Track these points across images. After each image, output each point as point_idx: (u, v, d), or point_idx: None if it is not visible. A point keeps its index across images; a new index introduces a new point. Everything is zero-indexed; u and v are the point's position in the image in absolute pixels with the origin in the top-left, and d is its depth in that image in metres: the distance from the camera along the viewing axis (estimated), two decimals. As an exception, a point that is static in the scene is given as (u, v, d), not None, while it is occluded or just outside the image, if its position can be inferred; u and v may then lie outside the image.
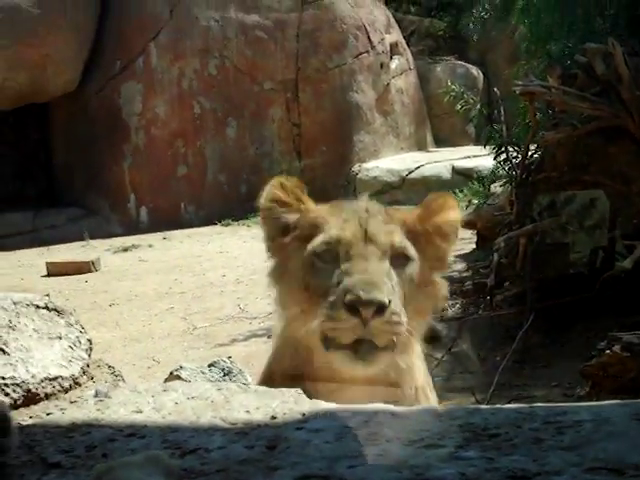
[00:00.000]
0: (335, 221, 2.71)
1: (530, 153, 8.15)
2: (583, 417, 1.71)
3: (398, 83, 19.68)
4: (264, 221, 2.86)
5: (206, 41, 17.32)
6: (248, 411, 1.93)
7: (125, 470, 1.50)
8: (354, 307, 2.39)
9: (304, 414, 1.87)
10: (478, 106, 11.34)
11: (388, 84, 19.15)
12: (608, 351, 5.46)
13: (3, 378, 2.40)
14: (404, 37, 20.89)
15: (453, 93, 10.50)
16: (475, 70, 21.95)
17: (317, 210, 2.82)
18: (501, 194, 9.36)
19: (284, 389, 2.06)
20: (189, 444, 1.74)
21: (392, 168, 17.54)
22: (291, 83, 17.59)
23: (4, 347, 2.51)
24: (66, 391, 2.57)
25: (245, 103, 17.35)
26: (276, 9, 17.75)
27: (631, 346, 5.41)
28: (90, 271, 12.77)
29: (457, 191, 15.57)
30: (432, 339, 3.11)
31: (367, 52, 18.57)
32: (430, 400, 2.88)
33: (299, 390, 2.05)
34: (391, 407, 1.90)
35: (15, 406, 2.38)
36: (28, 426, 1.98)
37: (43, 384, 2.48)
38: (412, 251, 2.68)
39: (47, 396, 2.49)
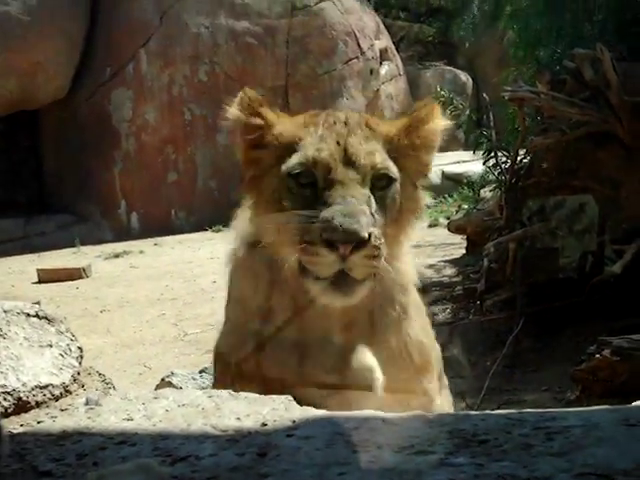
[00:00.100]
0: (311, 139, 2.53)
1: (519, 158, 8.18)
2: (572, 423, 1.72)
3: (388, 89, 19.73)
4: (234, 132, 2.70)
5: (196, 47, 17.34)
6: (239, 418, 1.93)
7: (116, 478, 1.50)
8: (332, 243, 2.28)
9: (294, 421, 1.88)
10: (467, 111, 11.36)
11: (378, 90, 19.19)
12: (598, 355, 5.48)
13: (-6, 386, 2.40)
14: (393, 43, 20.97)
15: (442, 98, 10.52)
16: (464, 75, 22.03)
17: (292, 123, 2.64)
18: (491, 199, 9.39)
19: (274, 396, 2.06)
20: (180, 451, 1.74)
21: (382, 173, 17.50)
22: (281, 89, 17.60)
23: (-6, 355, 2.50)
24: (57, 399, 2.57)
25: (235, 109, 17.33)
26: (266, 15, 17.78)
27: (621, 350, 5.42)
28: (81, 277, 12.75)
29: (447, 196, 15.61)
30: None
31: (357, 58, 18.61)
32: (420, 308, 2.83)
33: (289, 397, 2.04)
34: (381, 414, 1.90)
35: (6, 414, 2.37)
36: (19, 434, 1.97)
37: (34, 392, 2.48)
38: (394, 170, 2.52)
39: (38, 404, 2.49)
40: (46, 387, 2.52)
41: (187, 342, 8.94)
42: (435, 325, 2.96)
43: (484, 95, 10.44)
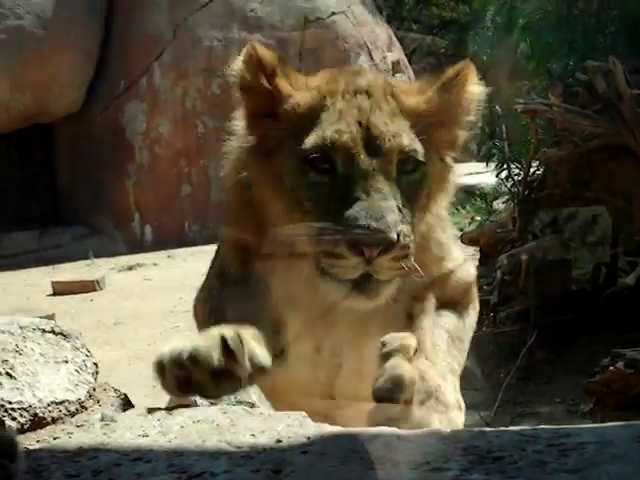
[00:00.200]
0: (329, 114, 2.26)
1: (532, 170, 8.17)
2: (586, 439, 1.71)
3: (400, 100, 19.73)
4: (240, 92, 2.40)
5: (209, 60, 17.40)
6: (253, 434, 1.92)
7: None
8: (357, 246, 2.07)
9: (309, 437, 1.87)
10: (479, 123, 11.35)
11: (390, 102, 19.19)
12: (611, 367, 5.47)
13: (10, 402, 2.41)
14: (406, 55, 21.01)
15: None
16: (477, 87, 22.02)
17: (307, 91, 2.34)
18: (503, 211, 9.37)
19: (289, 412, 2.06)
20: (195, 468, 1.74)
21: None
22: (294, 101, 17.61)
23: (11, 371, 2.51)
24: (72, 415, 2.57)
25: (248, 122, 17.39)
26: (279, 28, 17.84)
27: (634, 362, 5.41)
28: (95, 290, 12.81)
29: (459, 208, 15.57)
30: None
31: (369, 70, 18.62)
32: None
33: (304, 413, 2.05)
34: (396, 430, 1.90)
35: (22, 430, 2.38)
36: (35, 450, 1.98)
37: (50, 408, 2.49)
38: (422, 152, 2.26)
39: (54, 420, 2.49)
40: (62, 403, 2.53)
41: (200, 355, 8.93)
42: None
43: (496, 107, 10.42)
